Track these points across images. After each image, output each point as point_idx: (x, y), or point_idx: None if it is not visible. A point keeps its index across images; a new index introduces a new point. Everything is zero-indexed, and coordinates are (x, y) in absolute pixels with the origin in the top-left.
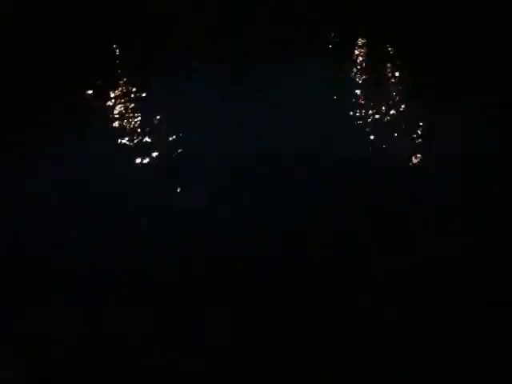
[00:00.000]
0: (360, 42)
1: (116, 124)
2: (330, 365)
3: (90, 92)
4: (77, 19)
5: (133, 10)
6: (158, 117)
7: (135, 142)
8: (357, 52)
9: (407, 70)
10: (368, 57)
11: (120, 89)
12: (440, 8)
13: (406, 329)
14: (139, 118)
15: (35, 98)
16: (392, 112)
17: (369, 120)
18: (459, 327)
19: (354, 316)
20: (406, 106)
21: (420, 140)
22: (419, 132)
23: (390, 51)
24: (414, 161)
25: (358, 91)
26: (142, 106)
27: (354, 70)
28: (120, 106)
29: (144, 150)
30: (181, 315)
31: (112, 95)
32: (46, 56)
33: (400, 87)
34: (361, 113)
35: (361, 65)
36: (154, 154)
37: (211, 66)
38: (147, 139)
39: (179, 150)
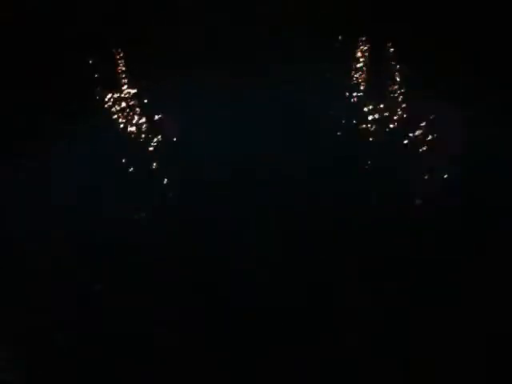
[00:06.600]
0: (361, 41)
1: (116, 124)
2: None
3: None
4: (77, 20)
5: (133, 10)
6: (158, 117)
7: (135, 142)
8: (358, 52)
9: (409, 70)
10: (370, 56)
11: (120, 89)
12: (440, 7)
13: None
14: (139, 118)
15: (35, 98)
16: (393, 112)
17: (369, 121)
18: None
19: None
20: (406, 106)
21: (421, 139)
22: (419, 132)
23: (392, 51)
24: (414, 160)
25: (359, 91)
26: (141, 106)
27: (355, 70)
28: (120, 106)
29: (144, 150)
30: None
31: (112, 96)
32: (46, 56)
33: (401, 87)
34: (362, 113)
35: (362, 64)
36: (155, 154)
37: (211, 65)
38: (147, 139)
39: (179, 151)
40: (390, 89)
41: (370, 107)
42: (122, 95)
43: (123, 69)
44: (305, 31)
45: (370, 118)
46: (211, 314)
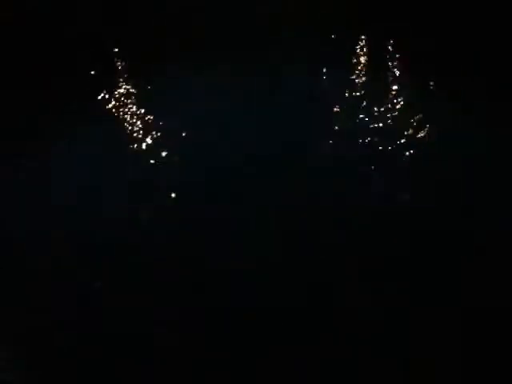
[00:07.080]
0: (361, 41)
1: (115, 124)
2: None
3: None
4: (77, 20)
5: (133, 9)
6: (158, 117)
7: (135, 142)
8: (358, 52)
9: (409, 70)
10: (369, 57)
11: (120, 89)
12: (441, 7)
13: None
14: (139, 118)
15: (35, 98)
16: (393, 113)
17: (369, 120)
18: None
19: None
20: (406, 106)
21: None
22: (420, 132)
23: (391, 51)
24: (414, 160)
25: (359, 91)
26: (141, 106)
27: (356, 69)
28: (119, 106)
29: (144, 150)
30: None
31: (112, 95)
32: (46, 56)
33: (401, 87)
34: (362, 113)
35: (362, 64)
36: (155, 154)
37: (212, 65)
38: (147, 139)
39: (180, 150)
40: (391, 89)
41: (371, 107)
42: (122, 95)
43: (123, 69)
44: (305, 31)
45: (370, 117)
46: (211, 314)
